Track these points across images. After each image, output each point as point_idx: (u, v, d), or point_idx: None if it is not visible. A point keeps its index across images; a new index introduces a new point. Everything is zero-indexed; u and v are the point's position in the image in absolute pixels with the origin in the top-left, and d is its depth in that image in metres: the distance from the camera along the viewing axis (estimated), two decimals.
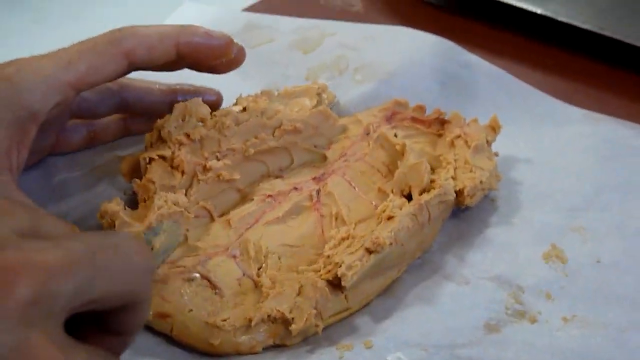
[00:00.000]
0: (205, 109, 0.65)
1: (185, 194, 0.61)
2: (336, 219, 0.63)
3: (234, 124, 0.65)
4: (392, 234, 0.58)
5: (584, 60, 0.90)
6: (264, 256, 0.59)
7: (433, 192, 0.63)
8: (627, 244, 0.65)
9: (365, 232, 0.60)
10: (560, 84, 0.87)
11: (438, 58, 0.83)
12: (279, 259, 0.60)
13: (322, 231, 0.62)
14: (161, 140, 0.63)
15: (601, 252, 0.65)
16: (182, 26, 0.63)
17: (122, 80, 0.67)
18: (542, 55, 0.91)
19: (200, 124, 0.64)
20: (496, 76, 0.83)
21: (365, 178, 0.66)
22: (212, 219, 0.62)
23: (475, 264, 0.63)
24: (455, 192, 0.65)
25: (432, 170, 0.66)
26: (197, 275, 0.57)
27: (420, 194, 0.63)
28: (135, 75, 0.65)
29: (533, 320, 0.59)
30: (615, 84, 0.87)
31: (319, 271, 0.58)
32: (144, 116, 0.70)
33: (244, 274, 0.58)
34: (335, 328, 0.58)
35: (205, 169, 0.62)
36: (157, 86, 0.70)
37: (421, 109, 0.72)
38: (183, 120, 0.64)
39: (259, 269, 0.59)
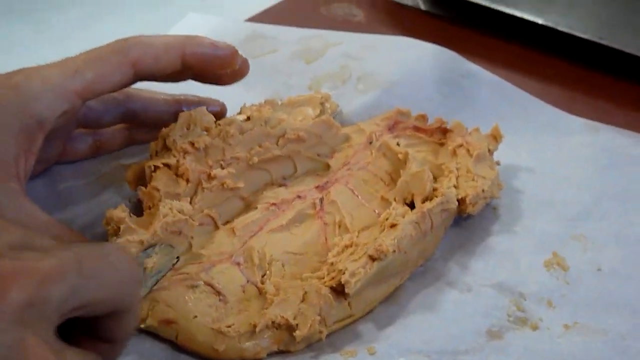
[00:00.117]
0: (210, 118, 0.65)
1: (190, 202, 0.62)
2: (339, 227, 0.63)
3: (238, 133, 0.65)
4: (395, 241, 0.59)
5: (583, 70, 0.91)
6: (268, 263, 0.60)
7: (435, 201, 0.63)
8: (627, 252, 0.66)
9: (368, 239, 0.60)
10: (560, 93, 0.87)
11: (440, 68, 0.84)
12: (283, 266, 0.60)
13: (326, 239, 0.63)
14: (166, 149, 0.64)
15: (601, 260, 0.65)
16: (187, 36, 0.64)
17: (127, 90, 0.67)
18: (543, 64, 0.92)
19: (205, 132, 0.64)
20: (497, 85, 0.83)
21: (368, 186, 0.67)
22: (217, 227, 0.63)
23: (477, 271, 0.64)
24: (458, 200, 0.65)
25: (435, 178, 0.66)
26: (201, 282, 0.58)
27: (423, 202, 0.64)
28: (140, 85, 0.66)
29: (534, 327, 0.59)
30: (614, 93, 0.87)
31: (323, 278, 0.58)
32: (149, 126, 0.71)
33: (248, 281, 0.59)
34: (338, 335, 0.58)
35: (210, 177, 0.63)
36: (162, 96, 0.70)
37: (423, 118, 0.73)
38: (188, 129, 0.64)
39: (262, 276, 0.59)
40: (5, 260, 0.39)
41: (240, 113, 0.69)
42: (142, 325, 0.56)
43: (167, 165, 0.63)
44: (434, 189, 0.65)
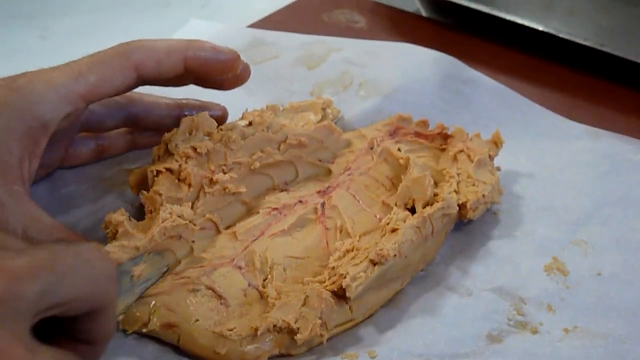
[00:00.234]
0: (212, 123, 0.66)
1: (192, 207, 0.62)
2: (341, 231, 0.64)
3: (240, 138, 0.65)
4: (396, 246, 0.59)
5: (584, 77, 0.91)
6: (270, 267, 0.60)
7: (436, 206, 0.63)
8: (627, 257, 0.66)
9: (369, 244, 0.61)
10: (561, 100, 0.87)
11: (441, 74, 0.84)
12: (284, 270, 0.60)
13: (327, 243, 0.63)
14: (168, 154, 0.64)
15: (601, 264, 0.65)
16: (190, 41, 0.64)
17: (130, 94, 0.68)
18: (543, 71, 0.92)
19: (207, 137, 0.65)
20: (498, 92, 0.84)
21: (369, 192, 0.67)
22: (218, 231, 0.63)
23: (477, 275, 0.64)
24: (458, 205, 0.65)
25: (435, 184, 0.67)
26: (203, 286, 0.58)
27: (424, 207, 0.64)
28: (142, 90, 0.66)
29: (534, 331, 0.60)
30: (615, 99, 0.88)
31: (324, 282, 0.58)
32: (151, 130, 0.71)
33: (249, 285, 0.59)
34: (340, 338, 0.59)
35: (212, 182, 0.63)
36: (164, 100, 0.71)
37: (424, 123, 0.73)
38: (190, 134, 0.65)
39: (264, 280, 0.59)
40: None
41: (242, 118, 0.69)
42: (144, 330, 0.57)
43: (169, 170, 0.63)
44: (435, 194, 0.65)
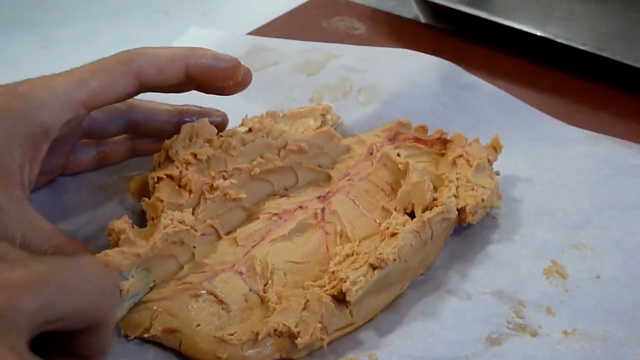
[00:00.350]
0: (212, 130, 0.66)
1: (193, 213, 0.62)
2: (341, 236, 0.64)
3: (240, 144, 0.66)
4: (396, 250, 0.60)
5: (583, 82, 0.91)
6: (270, 272, 0.60)
7: (436, 210, 0.64)
8: (626, 260, 0.66)
9: (369, 249, 0.61)
10: (560, 105, 0.88)
11: (440, 80, 0.84)
12: (285, 275, 0.61)
13: (327, 248, 0.63)
14: (169, 160, 0.65)
15: (601, 267, 0.66)
16: (191, 48, 0.65)
17: (130, 101, 0.68)
18: (542, 76, 0.92)
19: (207, 144, 0.65)
20: (497, 97, 0.84)
21: (369, 197, 0.68)
22: (219, 237, 0.63)
23: (477, 279, 0.64)
24: (458, 209, 0.66)
25: (435, 188, 0.67)
26: (204, 291, 0.58)
27: (423, 211, 0.64)
28: (142, 97, 0.66)
29: (534, 334, 0.60)
30: (614, 104, 0.88)
31: (324, 287, 0.59)
32: (152, 137, 0.72)
33: (250, 290, 0.59)
34: (340, 342, 0.59)
35: (212, 188, 0.63)
36: (165, 107, 0.71)
37: (423, 129, 0.74)
38: (190, 140, 0.65)
39: (265, 285, 0.60)
40: None
41: (242, 124, 0.69)
42: (146, 335, 0.57)
43: (170, 177, 0.63)
44: (434, 199, 0.66)
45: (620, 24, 0.97)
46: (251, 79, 0.68)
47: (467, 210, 0.65)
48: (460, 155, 0.70)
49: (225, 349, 0.55)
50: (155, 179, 0.63)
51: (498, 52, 0.96)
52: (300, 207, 0.66)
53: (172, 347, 0.57)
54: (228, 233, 0.64)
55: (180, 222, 0.59)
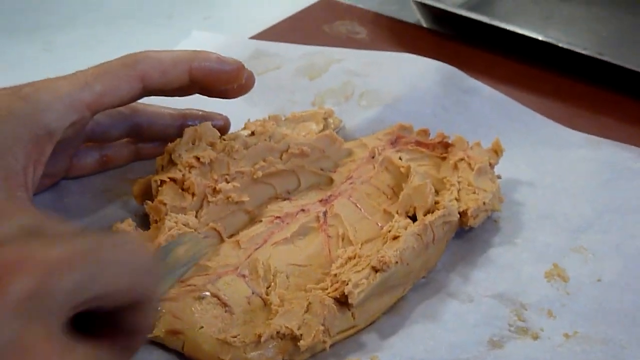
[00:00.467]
0: (215, 133, 0.66)
1: (196, 216, 0.63)
2: (343, 239, 0.64)
3: (242, 148, 0.66)
4: (398, 253, 0.60)
5: (584, 86, 0.92)
6: (273, 275, 0.61)
7: (437, 213, 0.64)
8: (627, 263, 0.67)
9: (371, 251, 0.61)
10: (562, 109, 0.88)
11: (441, 84, 0.85)
12: (287, 278, 0.61)
13: (329, 251, 0.63)
14: (172, 164, 0.65)
15: (602, 271, 0.66)
16: (194, 51, 0.65)
17: (134, 105, 0.68)
18: (543, 80, 0.93)
19: (210, 147, 0.65)
20: (498, 101, 0.84)
21: (371, 200, 0.68)
22: (222, 240, 0.63)
23: (478, 282, 0.65)
24: (459, 213, 0.66)
25: (436, 192, 0.67)
26: (208, 293, 0.58)
27: (425, 215, 0.65)
28: (145, 101, 0.67)
29: (535, 337, 0.60)
30: (615, 108, 0.88)
31: (327, 289, 0.59)
32: (155, 140, 0.72)
33: (253, 293, 0.59)
34: (342, 344, 0.59)
35: (215, 191, 0.64)
36: (167, 111, 0.71)
37: (425, 132, 0.74)
38: (193, 143, 0.65)
39: (267, 287, 0.60)
40: (13, 248, 0.38)
41: (244, 128, 0.70)
42: (149, 336, 0.57)
43: (173, 180, 0.64)
44: (436, 202, 0.66)
45: (621, 28, 0.97)
46: (254, 83, 0.69)
47: (469, 214, 0.66)
48: (462, 159, 0.70)
49: (228, 351, 0.56)
50: (159, 182, 0.64)
51: (499, 57, 0.96)
52: (303, 210, 0.66)
53: (175, 348, 0.57)
54: (231, 236, 0.64)
55: (184, 225, 0.60)
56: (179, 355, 0.58)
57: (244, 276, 0.60)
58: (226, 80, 0.66)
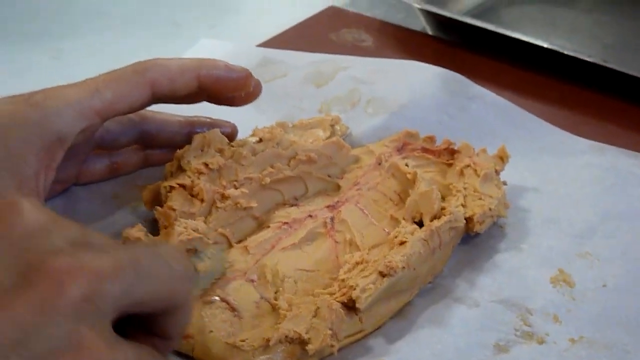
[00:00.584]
0: (224, 140, 0.67)
1: (205, 221, 0.63)
2: (350, 245, 0.65)
3: (250, 154, 0.67)
4: (405, 258, 0.60)
5: (590, 93, 0.92)
6: (281, 280, 0.61)
7: (444, 219, 0.65)
8: (632, 268, 0.67)
9: (378, 257, 0.62)
10: (567, 116, 0.88)
11: (446, 91, 0.85)
12: (295, 283, 0.61)
13: (337, 256, 0.64)
14: (181, 170, 0.66)
15: (607, 276, 0.66)
16: (203, 59, 0.66)
17: (143, 112, 0.69)
18: (549, 87, 0.93)
19: (218, 154, 0.66)
20: (503, 108, 0.85)
21: (378, 206, 0.68)
22: (230, 245, 0.64)
23: (484, 287, 0.65)
24: (465, 219, 0.66)
25: (443, 198, 0.68)
26: (217, 298, 0.59)
27: (431, 220, 0.65)
28: (154, 108, 0.67)
29: (541, 341, 0.60)
30: (621, 116, 0.89)
31: (334, 294, 0.59)
32: (163, 147, 0.72)
33: (261, 297, 0.60)
34: (350, 349, 0.59)
35: (224, 197, 0.64)
36: (176, 118, 0.72)
37: (431, 139, 0.74)
38: (202, 150, 0.66)
39: (275, 292, 0.60)
40: (65, 258, 0.41)
41: (252, 135, 0.70)
42: None
43: (182, 186, 0.64)
44: (442, 208, 0.66)
45: (626, 35, 0.97)
46: (261, 90, 0.69)
47: (475, 220, 0.66)
48: (468, 165, 0.71)
49: (237, 355, 0.56)
50: (168, 188, 0.64)
51: (504, 64, 0.97)
52: (310, 216, 0.67)
53: (185, 352, 0.58)
54: (239, 241, 0.64)
55: (194, 230, 0.60)
56: (188, 359, 0.58)
57: (252, 281, 0.61)
58: (234, 88, 0.67)
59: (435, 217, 0.66)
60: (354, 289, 0.58)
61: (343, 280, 0.60)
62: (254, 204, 0.66)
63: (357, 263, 0.61)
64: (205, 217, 0.64)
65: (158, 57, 0.65)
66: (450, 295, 0.64)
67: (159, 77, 0.63)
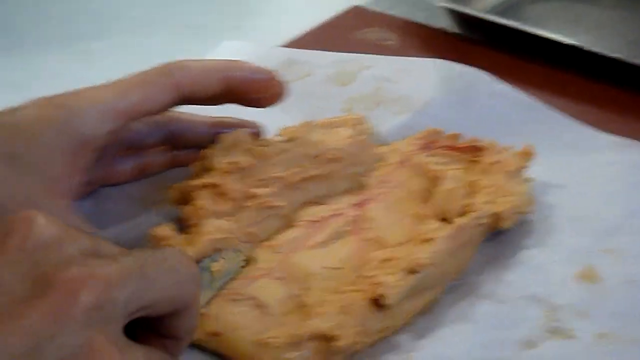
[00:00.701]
0: (250, 139, 0.68)
1: (232, 220, 0.64)
2: (376, 242, 0.65)
3: (277, 154, 0.67)
4: (431, 255, 0.61)
5: (616, 90, 0.92)
6: (307, 278, 0.62)
7: (469, 216, 0.65)
8: None
9: (404, 254, 0.62)
10: (593, 113, 0.88)
11: (470, 88, 0.85)
12: (322, 280, 0.62)
13: (363, 254, 0.64)
14: (208, 169, 0.66)
15: (633, 272, 0.66)
16: (228, 61, 0.66)
17: (169, 113, 0.69)
18: (574, 85, 0.93)
19: (245, 153, 0.67)
20: (527, 105, 0.84)
21: (403, 204, 0.69)
22: (257, 244, 0.65)
23: (510, 283, 0.65)
24: (491, 216, 0.67)
25: (468, 195, 0.68)
26: (245, 296, 0.60)
27: (457, 217, 0.65)
28: (179, 109, 0.68)
29: (568, 337, 0.61)
30: None
31: (361, 291, 0.60)
32: (189, 147, 0.73)
33: (288, 295, 0.60)
34: (378, 345, 0.60)
35: (251, 197, 0.65)
36: (202, 119, 0.73)
37: (455, 137, 0.74)
38: (229, 150, 0.66)
39: (302, 290, 0.61)
40: (76, 267, 0.42)
41: (278, 135, 0.71)
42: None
43: (209, 185, 0.65)
44: (468, 205, 0.67)
45: None
46: (287, 91, 0.70)
47: (501, 216, 0.66)
48: (493, 162, 0.71)
49: (265, 352, 0.57)
50: (195, 188, 0.65)
51: (528, 61, 0.97)
52: (336, 214, 0.67)
53: (213, 350, 0.59)
54: (266, 240, 0.65)
55: (221, 229, 0.61)
56: (219, 357, 0.59)
57: (279, 279, 0.61)
58: (259, 89, 0.68)
59: (460, 214, 0.66)
60: (381, 286, 0.59)
61: (370, 277, 0.60)
62: (281, 203, 0.66)
63: (384, 260, 0.62)
64: (233, 216, 0.64)
65: (184, 58, 0.66)
66: (476, 291, 0.65)
67: (184, 78, 0.64)
